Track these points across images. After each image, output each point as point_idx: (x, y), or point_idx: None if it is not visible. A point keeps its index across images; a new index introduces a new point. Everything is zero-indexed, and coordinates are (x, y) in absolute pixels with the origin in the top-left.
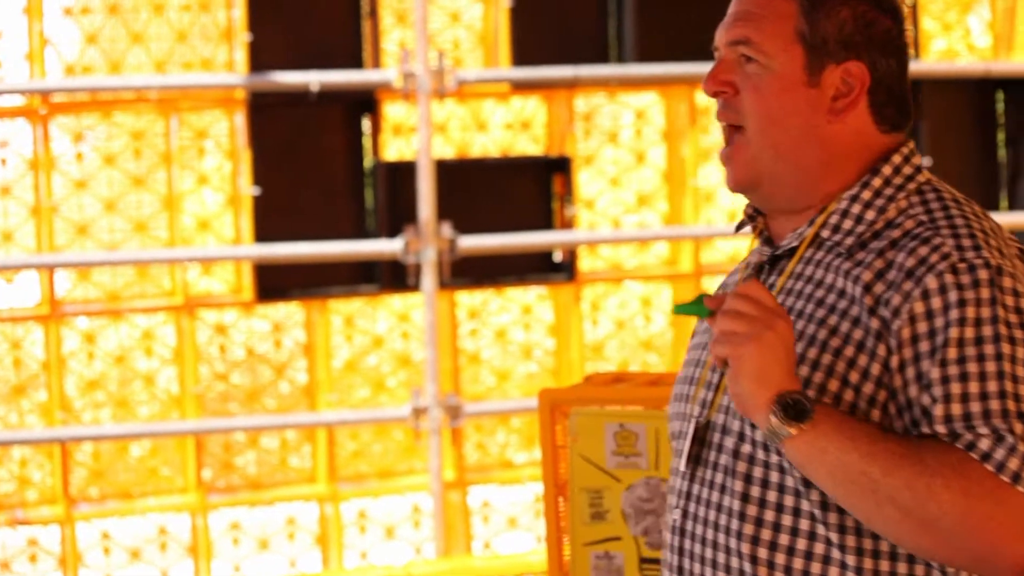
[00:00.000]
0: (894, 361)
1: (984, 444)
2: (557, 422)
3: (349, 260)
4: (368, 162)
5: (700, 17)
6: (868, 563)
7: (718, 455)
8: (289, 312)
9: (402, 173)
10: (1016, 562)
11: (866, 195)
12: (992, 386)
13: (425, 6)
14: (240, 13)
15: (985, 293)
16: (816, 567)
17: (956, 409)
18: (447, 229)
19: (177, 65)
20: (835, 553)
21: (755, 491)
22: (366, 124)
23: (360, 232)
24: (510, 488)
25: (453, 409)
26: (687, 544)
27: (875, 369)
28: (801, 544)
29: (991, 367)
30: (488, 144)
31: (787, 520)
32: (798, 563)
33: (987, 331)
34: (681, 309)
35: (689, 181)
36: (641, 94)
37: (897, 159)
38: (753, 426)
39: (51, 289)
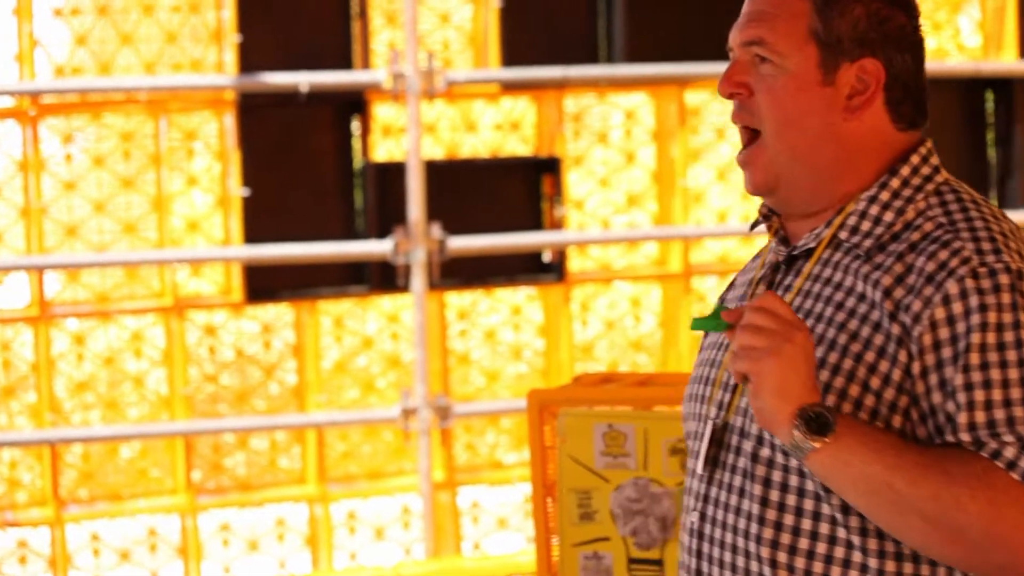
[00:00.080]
0: (916, 367)
1: (1009, 452)
2: (546, 423)
3: (339, 261)
4: (358, 163)
5: (689, 18)
6: (891, 565)
7: (736, 458)
8: (279, 313)
9: (391, 174)
10: None
11: (884, 196)
12: (1016, 392)
13: (415, 7)
14: (230, 14)
15: (1006, 298)
16: (836, 571)
17: (980, 417)
18: (436, 230)
19: (167, 66)
20: (856, 556)
21: (774, 495)
22: (356, 125)
23: (350, 233)
24: (499, 489)
25: (442, 410)
26: (705, 547)
27: (896, 375)
28: (821, 548)
29: (1014, 373)
30: (478, 145)
31: (807, 524)
32: (818, 567)
33: (1009, 336)
34: (698, 324)
35: (678, 181)
36: (630, 94)
37: (915, 159)
38: None
39: (40, 290)
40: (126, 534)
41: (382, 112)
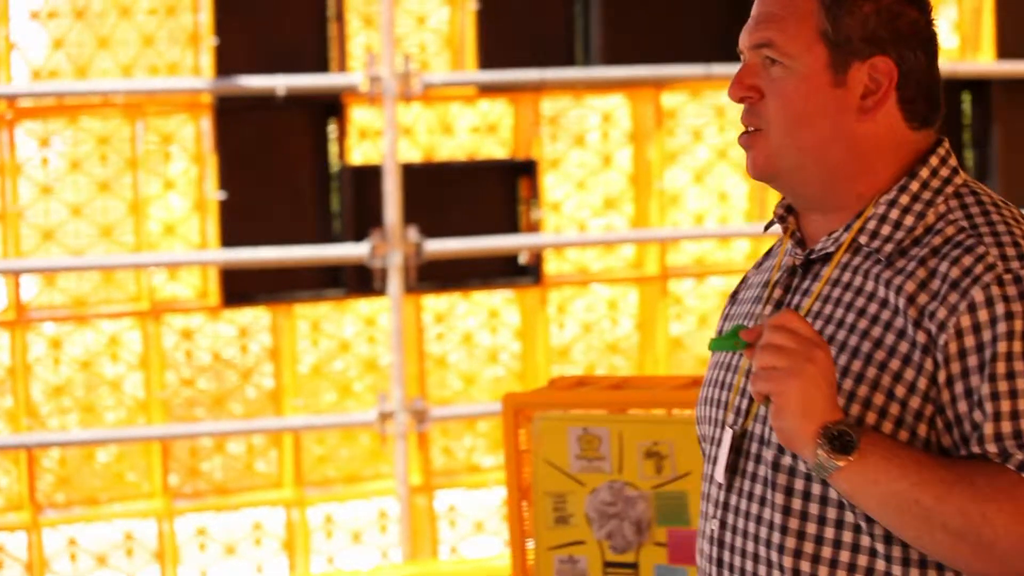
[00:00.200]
0: (941, 376)
1: None
2: (521, 426)
3: (315, 264)
4: (334, 166)
5: (665, 20)
6: (915, 573)
7: (756, 466)
8: (255, 317)
9: (368, 177)
10: None
11: (904, 200)
12: None
13: (391, 9)
14: (206, 17)
15: None
16: None
17: (1006, 427)
18: (413, 233)
19: (143, 69)
20: (880, 564)
21: (797, 504)
22: (332, 128)
23: (326, 236)
24: (476, 492)
25: (419, 413)
26: (726, 556)
27: (922, 383)
28: (844, 556)
29: None
30: (454, 147)
31: (830, 533)
32: None
33: None
34: (717, 345)
35: (655, 184)
36: (607, 97)
37: (934, 160)
38: None
39: (17, 295)
40: (103, 538)
41: (359, 115)
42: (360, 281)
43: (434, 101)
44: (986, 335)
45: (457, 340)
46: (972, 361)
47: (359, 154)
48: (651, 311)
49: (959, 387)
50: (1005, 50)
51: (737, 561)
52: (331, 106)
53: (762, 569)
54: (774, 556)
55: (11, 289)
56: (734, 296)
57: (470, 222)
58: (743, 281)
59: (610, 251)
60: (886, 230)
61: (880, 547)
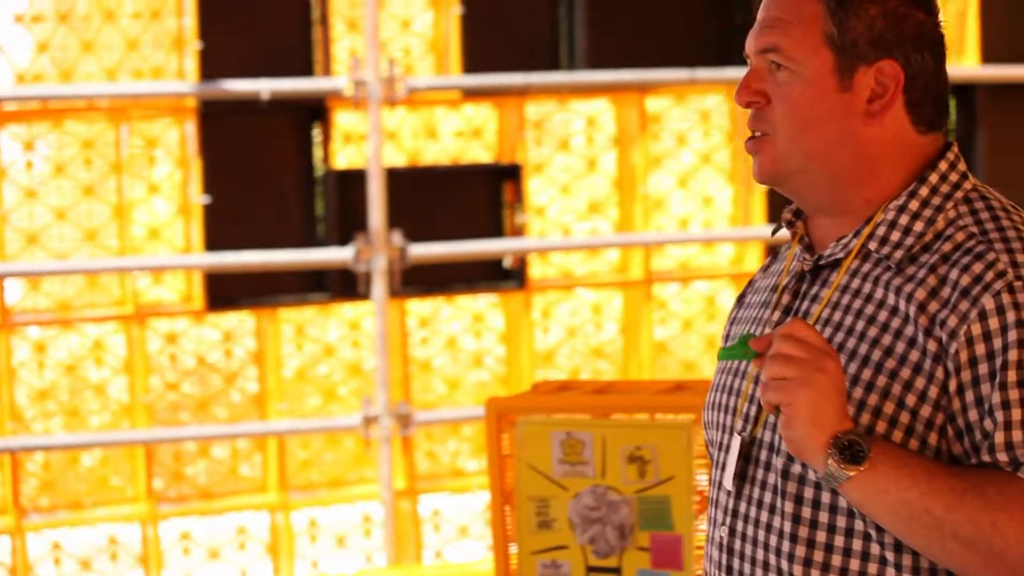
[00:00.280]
0: (952, 384)
1: None
2: (504, 431)
3: (300, 268)
4: (319, 170)
5: (650, 24)
6: None
7: (766, 474)
8: (240, 321)
9: (352, 181)
10: None
11: (913, 205)
12: None
13: (376, 14)
14: (191, 21)
15: None
16: None
17: (1017, 436)
18: (397, 237)
19: (128, 73)
20: (889, 573)
21: (806, 512)
22: (317, 132)
23: (310, 240)
24: (461, 497)
25: (403, 418)
26: (735, 563)
27: (933, 392)
28: (854, 565)
29: None
30: (439, 152)
31: (839, 541)
32: None
33: None
34: (725, 355)
35: (639, 188)
36: (591, 101)
37: (943, 165)
38: None
39: (1, 298)
40: (87, 543)
41: (343, 119)
42: (344, 285)
43: (419, 105)
44: (997, 343)
45: (441, 344)
46: (983, 369)
47: (343, 158)
48: (635, 315)
49: (970, 395)
50: (990, 55)
51: (747, 569)
52: (316, 110)
53: None
54: (784, 564)
55: None
56: (741, 299)
57: (454, 226)
58: (750, 284)
59: (594, 255)
60: (896, 236)
61: (890, 556)
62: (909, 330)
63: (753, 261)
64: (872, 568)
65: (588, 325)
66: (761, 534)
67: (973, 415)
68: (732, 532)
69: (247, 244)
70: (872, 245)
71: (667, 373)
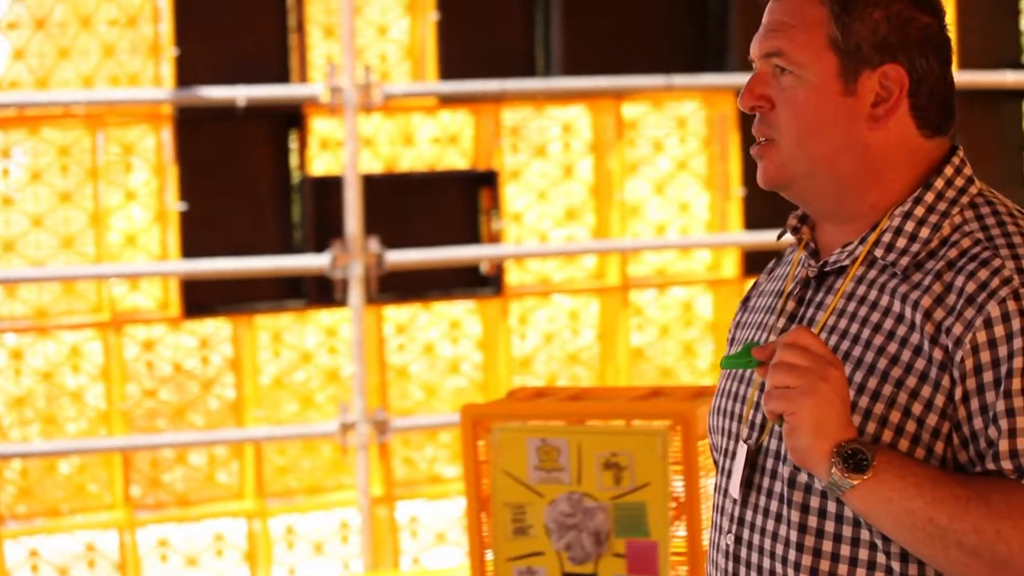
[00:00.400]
0: (958, 392)
1: None
2: (479, 437)
3: (276, 275)
4: (295, 177)
5: (626, 31)
6: None
7: (772, 482)
8: (216, 328)
9: (329, 187)
10: None
11: (919, 211)
12: None
13: (352, 20)
14: (167, 28)
15: None
16: None
17: (1022, 444)
18: (374, 244)
19: (104, 80)
20: None
21: (812, 521)
22: (293, 139)
23: (287, 247)
24: (438, 503)
25: (380, 424)
26: (742, 571)
27: (939, 400)
28: (860, 574)
29: None
30: (415, 158)
31: (846, 550)
32: None
33: None
34: (728, 363)
35: (616, 194)
36: (568, 107)
37: (949, 170)
38: None
39: None
40: (64, 550)
41: (319, 126)
42: (321, 292)
43: (395, 112)
44: (1002, 351)
45: (418, 351)
46: (988, 377)
47: (320, 165)
48: (612, 322)
49: (975, 403)
50: (966, 61)
51: None
52: (292, 117)
53: None
54: (790, 573)
55: None
56: (745, 303)
57: (431, 233)
58: (754, 287)
59: (571, 262)
60: (901, 243)
61: (896, 565)
62: (915, 338)
63: (730, 267)
64: None
65: (565, 331)
66: (767, 543)
67: (978, 423)
68: (738, 540)
69: (224, 251)
70: (878, 252)
71: (644, 379)
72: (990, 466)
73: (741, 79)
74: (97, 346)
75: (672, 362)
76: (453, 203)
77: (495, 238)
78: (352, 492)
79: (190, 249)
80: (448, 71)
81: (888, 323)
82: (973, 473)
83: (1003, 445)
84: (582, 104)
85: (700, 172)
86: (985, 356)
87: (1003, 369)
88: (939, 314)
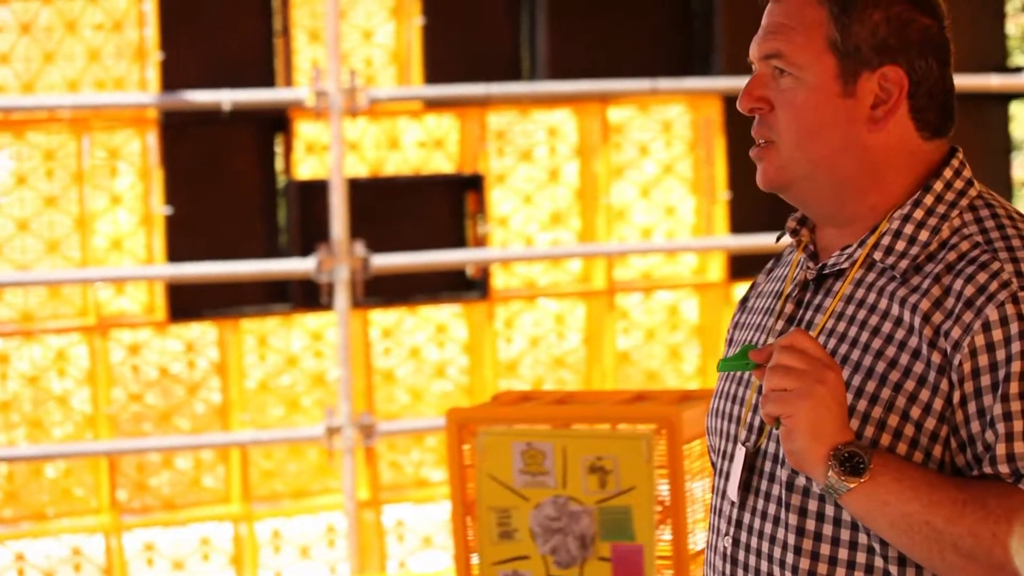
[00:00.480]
0: (956, 396)
1: None
2: (465, 441)
3: (262, 279)
4: (280, 181)
5: (611, 34)
6: None
7: (770, 485)
8: (202, 332)
9: (314, 191)
10: None
11: (918, 214)
12: None
13: (337, 24)
14: (152, 32)
15: None
16: None
17: (1019, 447)
18: (360, 248)
19: (90, 84)
20: None
21: (810, 524)
22: (278, 143)
23: (273, 251)
24: (424, 507)
25: (367, 428)
26: (739, 574)
27: (938, 404)
28: None
29: None
30: (401, 162)
31: (843, 554)
32: None
33: None
34: (725, 366)
35: (602, 198)
36: (553, 111)
37: (948, 172)
38: None
39: None
40: (50, 554)
41: (305, 130)
42: (307, 296)
43: (380, 116)
44: (1000, 354)
45: (404, 355)
46: (985, 380)
47: (306, 169)
48: (598, 325)
49: (972, 407)
50: (952, 64)
51: None
52: (277, 121)
53: None
54: None
55: None
56: (744, 303)
57: (417, 237)
58: (753, 287)
59: (557, 265)
60: (901, 246)
61: (893, 569)
62: (913, 341)
63: (716, 271)
64: None
65: (551, 335)
66: (765, 546)
67: (975, 427)
68: (736, 543)
69: (209, 255)
70: (877, 255)
71: (630, 383)
72: (987, 470)
73: (726, 83)
74: (83, 350)
75: (658, 366)
76: (439, 207)
77: (481, 242)
78: (338, 496)
79: (176, 253)
80: (433, 75)
81: (887, 326)
82: (970, 477)
83: (1000, 449)
84: (567, 108)
85: (686, 176)
86: (983, 360)
87: (1001, 373)
88: (938, 318)
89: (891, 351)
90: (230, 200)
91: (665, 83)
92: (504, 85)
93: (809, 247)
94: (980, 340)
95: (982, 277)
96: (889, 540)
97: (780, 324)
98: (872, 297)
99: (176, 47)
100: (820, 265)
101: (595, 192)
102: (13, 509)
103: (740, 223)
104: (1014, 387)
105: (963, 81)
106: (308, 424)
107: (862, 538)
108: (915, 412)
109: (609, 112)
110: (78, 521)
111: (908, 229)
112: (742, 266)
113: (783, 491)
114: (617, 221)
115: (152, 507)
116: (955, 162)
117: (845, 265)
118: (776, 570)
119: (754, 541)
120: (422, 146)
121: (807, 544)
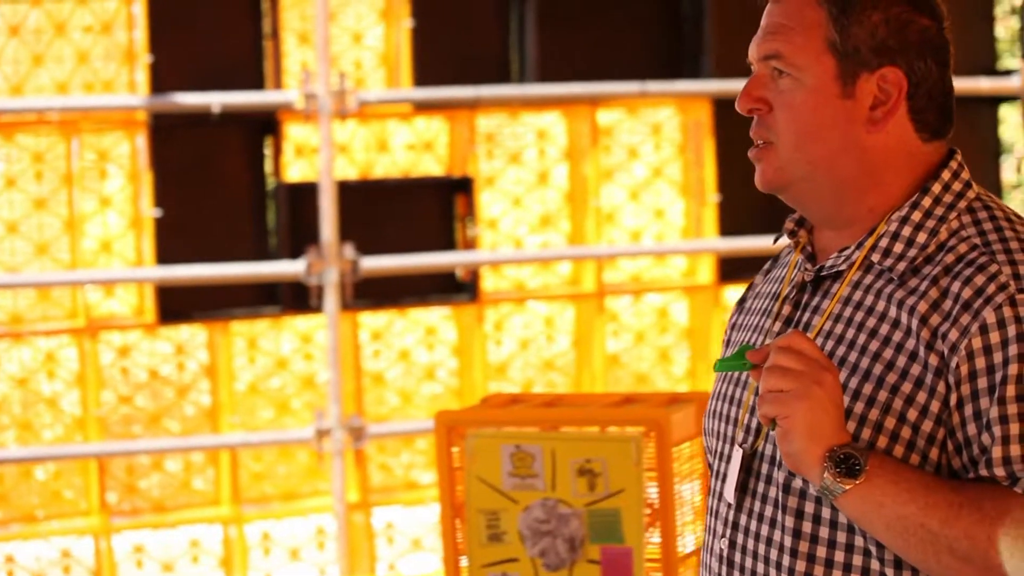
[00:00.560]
0: (953, 398)
1: None
2: (454, 444)
3: (251, 281)
4: (270, 183)
5: (601, 37)
6: None
7: (767, 487)
8: (192, 334)
9: (304, 194)
10: None
11: (916, 216)
12: None
13: (326, 27)
14: (141, 35)
15: None
16: None
17: (1015, 451)
18: (349, 250)
19: (79, 87)
20: None
21: (807, 527)
22: (268, 145)
23: (262, 253)
24: (414, 509)
25: (356, 431)
26: None
27: (935, 406)
28: None
29: None
30: (390, 165)
31: (840, 556)
32: None
33: None
34: (722, 366)
35: (591, 201)
36: (543, 114)
37: (946, 174)
38: None
39: None
40: (40, 556)
41: (294, 132)
42: (296, 298)
43: (370, 118)
44: (997, 357)
45: (394, 357)
46: (982, 383)
47: (295, 171)
48: (588, 328)
49: (968, 409)
50: None
51: None
52: (267, 123)
53: None
54: None
55: None
56: (741, 303)
57: (406, 239)
58: (750, 288)
59: (547, 268)
60: (898, 248)
61: (890, 572)
62: (911, 344)
63: (705, 274)
64: None
65: (540, 338)
66: (762, 548)
67: (972, 429)
68: (732, 545)
69: (199, 257)
70: (874, 257)
71: (620, 386)
72: (983, 472)
73: (716, 85)
74: (72, 352)
75: (647, 368)
76: (428, 209)
77: (470, 244)
78: (328, 498)
79: (165, 255)
80: (423, 78)
81: (884, 329)
82: (966, 479)
83: (996, 452)
84: (557, 110)
85: (675, 178)
86: (980, 362)
87: (998, 376)
88: (935, 320)
89: (888, 353)
90: (220, 202)
91: (654, 86)
92: (493, 88)
93: (807, 248)
94: (977, 343)
95: (980, 279)
96: (885, 542)
97: (777, 325)
98: (870, 299)
99: (165, 49)
100: (818, 267)
101: (584, 195)
102: (3, 511)
103: (730, 226)
104: (1011, 390)
105: (953, 84)
106: (298, 426)
107: (858, 541)
108: (912, 414)
109: (598, 115)
110: (68, 523)
111: (906, 231)
112: (732, 268)
113: (780, 493)
114: (607, 224)
115: (142, 509)
116: (953, 164)
117: (843, 267)
118: (772, 572)
119: (750, 543)
120: (411, 148)
121: (803, 546)
